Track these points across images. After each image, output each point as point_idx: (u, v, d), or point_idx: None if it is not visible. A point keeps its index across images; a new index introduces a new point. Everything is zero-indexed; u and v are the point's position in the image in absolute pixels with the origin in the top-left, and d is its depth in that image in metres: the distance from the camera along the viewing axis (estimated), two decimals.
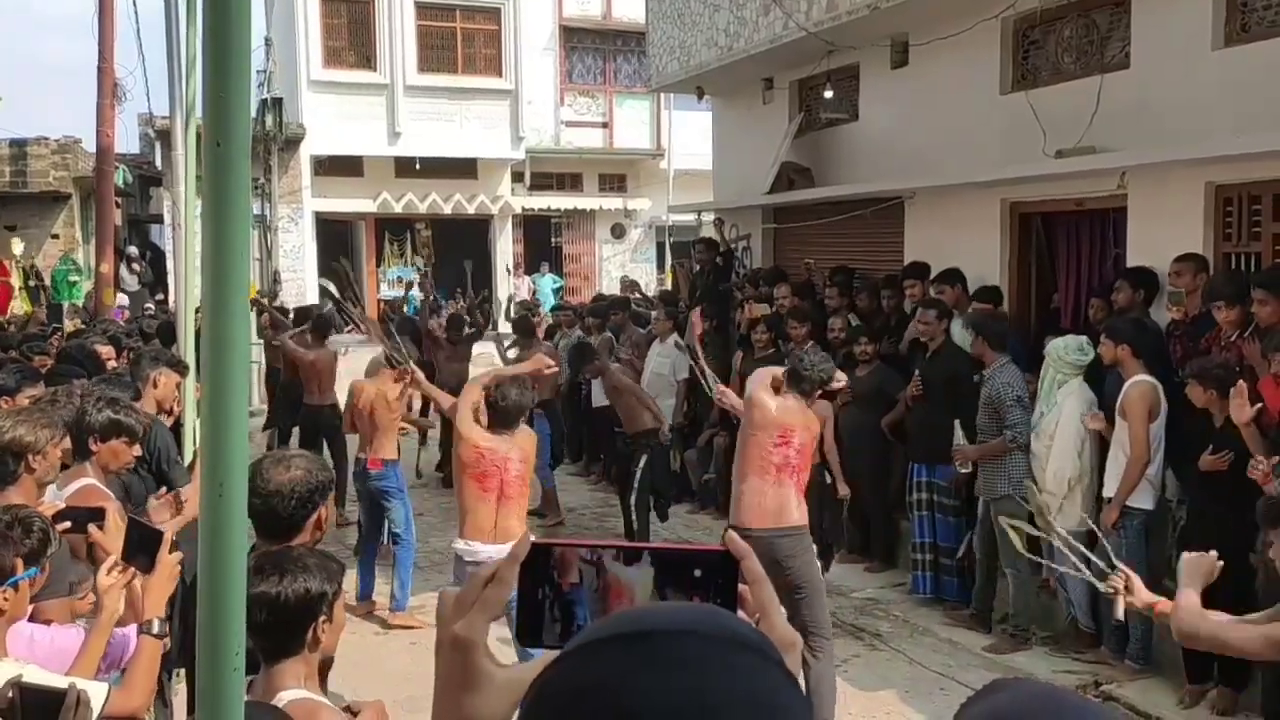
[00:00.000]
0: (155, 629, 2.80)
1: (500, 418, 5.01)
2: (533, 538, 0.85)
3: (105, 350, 7.34)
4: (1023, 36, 7.57)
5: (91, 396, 4.04)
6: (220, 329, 1.31)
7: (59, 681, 2.32)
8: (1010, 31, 7.57)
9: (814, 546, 5.11)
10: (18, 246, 16.64)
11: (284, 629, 2.35)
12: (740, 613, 0.85)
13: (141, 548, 2.88)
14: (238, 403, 1.32)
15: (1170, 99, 6.22)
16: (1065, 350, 5.96)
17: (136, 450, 4.08)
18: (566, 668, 0.71)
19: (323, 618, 2.43)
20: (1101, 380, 6.02)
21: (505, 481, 4.98)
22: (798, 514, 4.95)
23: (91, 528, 3.16)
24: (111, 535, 3.10)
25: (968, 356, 6.95)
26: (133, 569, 2.87)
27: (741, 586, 0.86)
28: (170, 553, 2.91)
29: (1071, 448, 5.94)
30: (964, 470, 6.42)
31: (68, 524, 3.13)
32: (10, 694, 2.14)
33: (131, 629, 2.90)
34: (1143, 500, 5.62)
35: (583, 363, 8.10)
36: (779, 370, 5.25)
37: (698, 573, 0.84)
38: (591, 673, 0.69)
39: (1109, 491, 5.73)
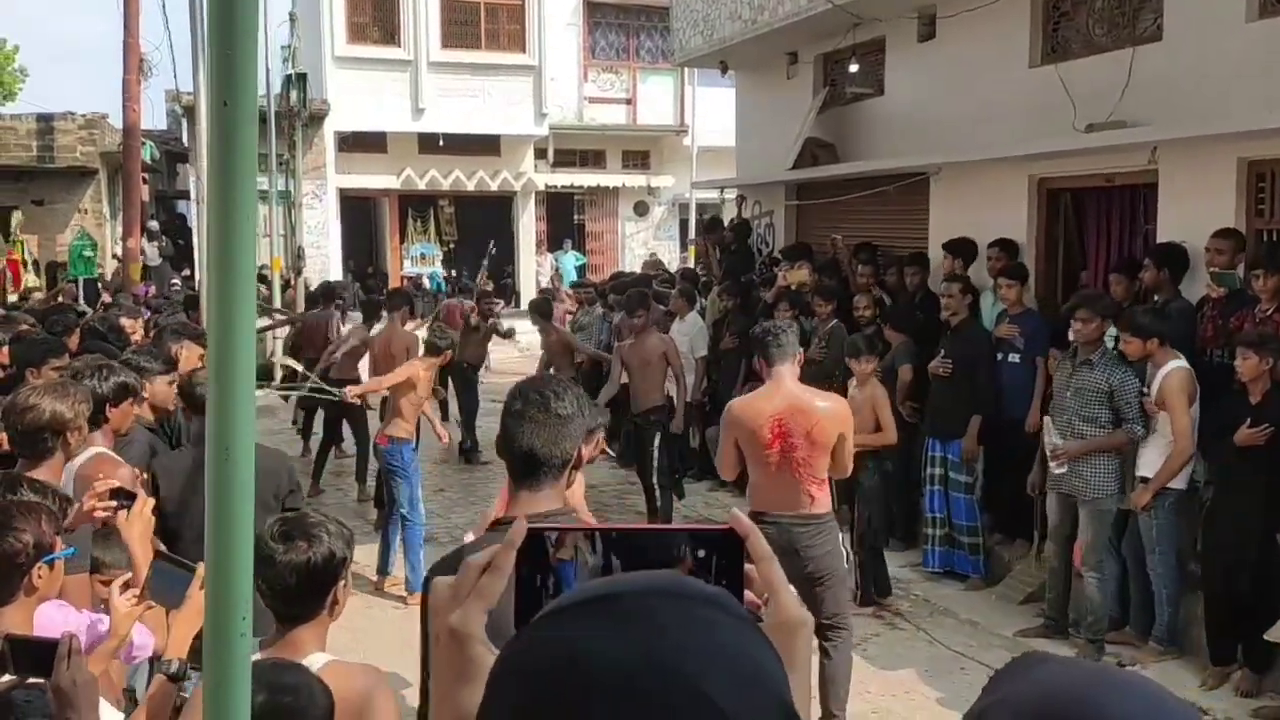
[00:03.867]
0: (173, 669, 2.46)
1: None
2: (529, 525, 0.82)
3: (130, 325, 7.40)
4: (1053, 8, 7.44)
5: (89, 367, 4.06)
6: (226, 290, 1.29)
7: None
8: (1040, 3, 7.45)
9: (839, 537, 4.85)
10: (15, 220, 16.76)
11: (311, 593, 2.38)
12: (748, 592, 0.83)
13: (171, 582, 2.67)
14: (244, 366, 1.30)
15: (1203, 72, 6.10)
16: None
17: (139, 408, 4.11)
18: (532, 634, 0.70)
19: (343, 581, 2.45)
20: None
21: None
22: (818, 502, 4.66)
23: (120, 514, 3.12)
24: (135, 524, 3.07)
25: (988, 334, 6.89)
26: (151, 601, 2.69)
27: (748, 566, 0.83)
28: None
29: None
30: (1060, 470, 5.75)
31: (113, 504, 3.07)
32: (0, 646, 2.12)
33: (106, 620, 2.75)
34: (1176, 481, 5.55)
35: (639, 304, 7.98)
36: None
37: (702, 553, 0.81)
38: (557, 637, 0.67)
39: (1141, 471, 5.64)
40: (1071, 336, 5.83)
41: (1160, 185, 6.47)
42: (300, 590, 2.36)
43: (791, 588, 0.85)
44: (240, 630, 1.32)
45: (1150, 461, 5.56)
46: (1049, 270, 7.65)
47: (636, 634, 0.65)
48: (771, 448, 4.54)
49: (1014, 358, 6.75)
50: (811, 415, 4.54)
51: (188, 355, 5.19)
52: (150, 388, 4.55)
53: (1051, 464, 5.79)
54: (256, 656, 2.03)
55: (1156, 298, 6.16)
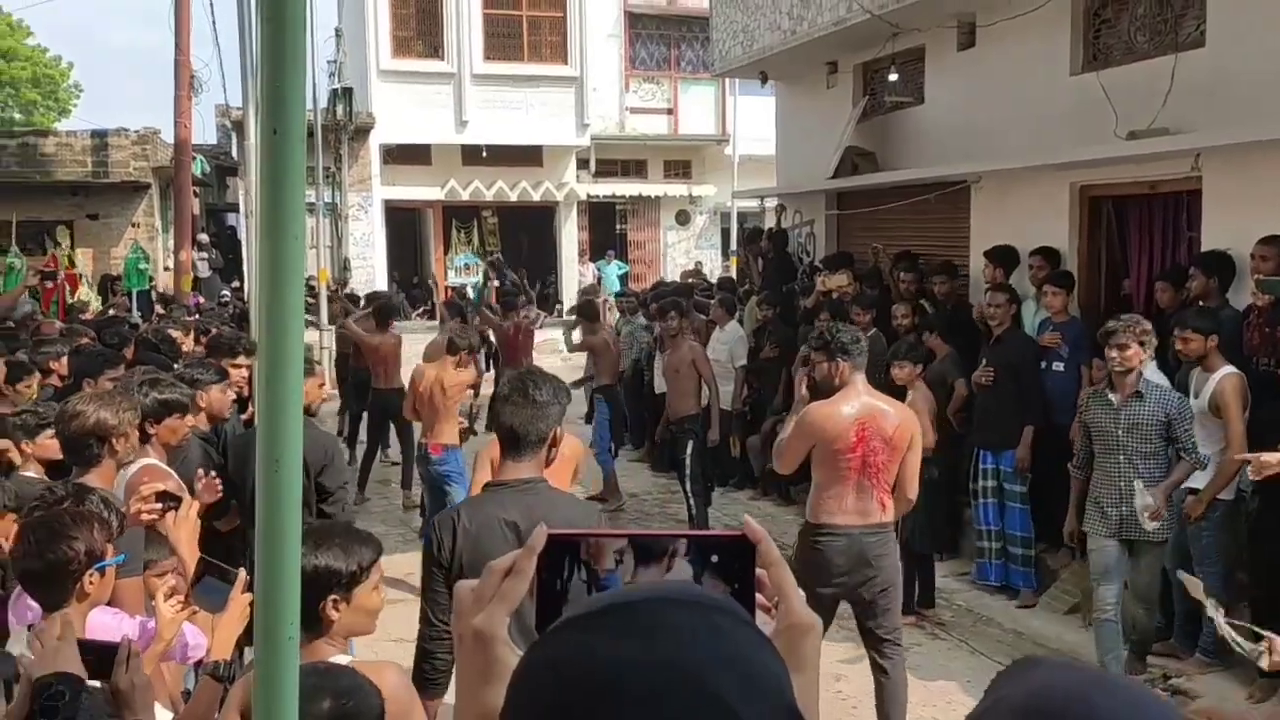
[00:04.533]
0: (220, 670, 2.58)
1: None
2: (549, 530, 0.86)
3: (181, 336, 7.57)
4: (1094, 15, 7.40)
5: (134, 381, 4.14)
6: (276, 309, 1.35)
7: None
8: (1081, 10, 7.41)
9: (897, 547, 4.80)
10: (63, 237, 17.14)
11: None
12: (759, 595, 0.86)
13: (215, 587, 2.79)
14: (293, 382, 1.37)
15: (1246, 78, 6.04)
16: None
17: (190, 420, 4.18)
18: (553, 640, 0.73)
19: (334, 596, 2.43)
20: (1167, 369, 5.87)
21: None
22: (887, 510, 4.61)
23: (167, 516, 3.23)
24: (182, 526, 3.17)
25: (1033, 342, 6.83)
26: (196, 606, 2.80)
27: (759, 570, 0.86)
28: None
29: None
30: (1155, 525, 5.17)
31: (159, 506, 3.19)
32: None
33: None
34: (1225, 491, 5.48)
35: (674, 310, 8.04)
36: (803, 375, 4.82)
37: (715, 558, 0.84)
38: (577, 643, 0.71)
39: (1191, 483, 5.56)
40: (1113, 366, 5.23)
41: (1204, 192, 6.41)
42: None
43: (801, 592, 0.88)
44: (289, 634, 1.38)
45: (1198, 473, 5.49)
46: (1091, 278, 7.59)
47: (653, 640, 0.69)
48: (854, 452, 4.50)
49: (1058, 365, 6.71)
50: (890, 420, 4.54)
51: (234, 372, 5.28)
52: (206, 396, 4.66)
53: (1148, 524, 5.13)
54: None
55: (1202, 305, 6.09)
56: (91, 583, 2.59)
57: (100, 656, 2.14)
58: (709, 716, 0.67)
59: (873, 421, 4.51)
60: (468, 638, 0.87)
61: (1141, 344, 5.15)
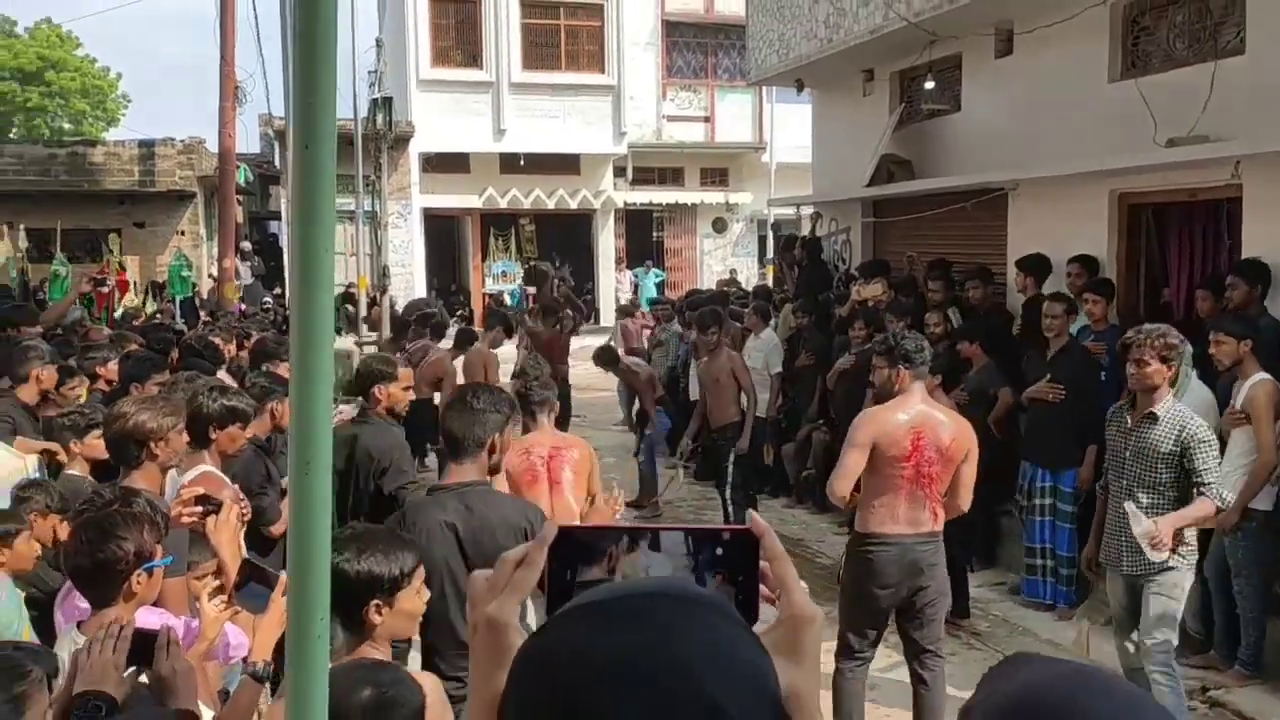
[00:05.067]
0: (258, 670, 2.62)
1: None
2: (559, 523, 0.91)
3: (224, 343, 7.71)
4: (1132, 22, 7.34)
5: (204, 387, 4.25)
6: (307, 322, 1.40)
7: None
8: (1119, 17, 7.35)
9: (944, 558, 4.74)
10: (114, 245, 17.48)
11: (340, 604, 2.44)
12: (763, 587, 0.90)
13: (256, 589, 2.84)
14: (323, 389, 1.41)
15: None
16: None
17: (249, 432, 4.28)
18: (550, 632, 0.78)
19: (377, 601, 2.47)
20: (1210, 379, 5.80)
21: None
22: (939, 519, 4.56)
23: (209, 520, 3.31)
24: (223, 530, 3.25)
25: (1093, 356, 6.61)
26: (238, 607, 2.85)
27: (763, 563, 0.89)
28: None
29: None
30: (1160, 556, 4.48)
31: (199, 509, 3.27)
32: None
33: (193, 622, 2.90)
34: (1262, 502, 5.39)
35: (712, 322, 8.09)
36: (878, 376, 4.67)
37: (720, 551, 0.88)
38: (573, 635, 0.75)
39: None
40: (1131, 383, 4.72)
41: (1244, 200, 6.34)
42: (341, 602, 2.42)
43: (803, 584, 0.91)
44: (319, 632, 1.43)
45: (1233, 482, 5.41)
46: (1130, 286, 7.52)
47: (644, 633, 0.73)
48: (908, 461, 4.44)
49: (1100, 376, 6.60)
50: (946, 430, 4.48)
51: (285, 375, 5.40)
52: (280, 407, 4.78)
53: (1151, 554, 4.46)
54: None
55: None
56: (140, 583, 2.66)
57: (141, 645, 2.21)
58: (694, 706, 0.70)
59: (929, 431, 4.45)
60: (481, 625, 0.91)
61: (1165, 360, 4.52)
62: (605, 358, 10.07)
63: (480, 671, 0.90)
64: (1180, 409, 4.66)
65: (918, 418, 4.47)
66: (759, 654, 0.77)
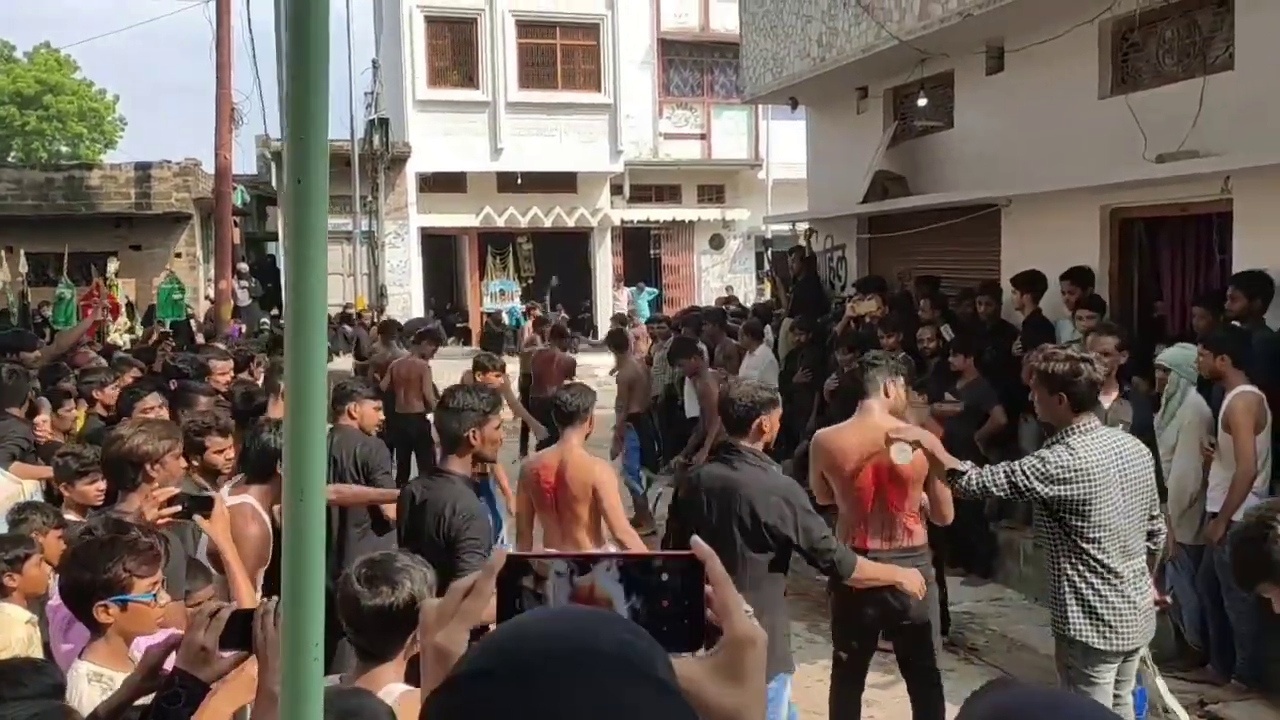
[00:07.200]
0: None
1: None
2: (509, 551, 0.92)
3: (222, 366, 7.71)
4: (1121, 39, 7.40)
5: (271, 424, 4.16)
6: (300, 350, 1.43)
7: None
8: (1108, 34, 7.41)
9: (933, 572, 4.70)
10: (112, 267, 17.48)
11: (391, 635, 2.46)
12: (708, 610, 0.90)
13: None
14: (316, 420, 1.44)
15: (1276, 100, 6.01)
16: (1187, 358, 5.71)
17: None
18: (449, 694, 0.77)
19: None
20: (1208, 392, 5.83)
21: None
22: (915, 535, 4.50)
23: (198, 517, 3.31)
24: (215, 521, 3.27)
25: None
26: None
27: (708, 588, 0.90)
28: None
29: (1192, 461, 5.65)
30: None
31: (174, 509, 3.26)
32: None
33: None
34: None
35: (681, 355, 8.14)
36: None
37: (666, 576, 0.89)
38: (468, 704, 0.74)
39: (1213, 506, 5.53)
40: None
41: (1235, 214, 6.38)
42: (381, 632, 2.45)
43: (747, 606, 0.92)
44: (314, 655, 1.45)
45: (1219, 497, 5.44)
46: (1124, 300, 7.56)
47: (538, 701, 0.71)
48: (862, 479, 4.43)
49: None
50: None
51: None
52: (359, 409, 5.20)
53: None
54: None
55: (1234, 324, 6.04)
56: (108, 613, 2.60)
57: (239, 626, 2.14)
58: None
59: (881, 450, 4.38)
60: (430, 653, 0.92)
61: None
62: (616, 340, 10.12)
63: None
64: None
65: (869, 437, 4.41)
66: (677, 713, 0.75)
